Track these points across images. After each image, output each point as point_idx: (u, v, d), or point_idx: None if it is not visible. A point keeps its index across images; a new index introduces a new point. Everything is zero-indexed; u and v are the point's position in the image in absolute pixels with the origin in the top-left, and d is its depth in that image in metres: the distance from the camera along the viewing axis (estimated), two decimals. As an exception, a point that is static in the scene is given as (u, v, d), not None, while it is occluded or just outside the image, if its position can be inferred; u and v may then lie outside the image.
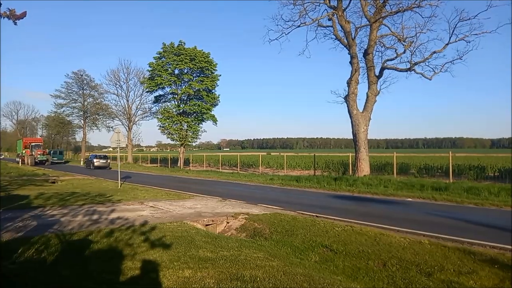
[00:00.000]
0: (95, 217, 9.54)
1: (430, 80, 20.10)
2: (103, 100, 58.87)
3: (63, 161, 52.52)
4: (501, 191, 13.72)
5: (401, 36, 19.73)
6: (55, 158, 50.26)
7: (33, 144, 46.69)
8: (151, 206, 11.63)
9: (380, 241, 7.39)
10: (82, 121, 61.07)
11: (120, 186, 18.24)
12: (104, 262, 5.63)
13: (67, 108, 59.47)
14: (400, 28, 19.93)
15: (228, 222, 9.93)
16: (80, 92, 58.97)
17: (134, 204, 12.07)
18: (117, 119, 54.95)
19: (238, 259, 5.97)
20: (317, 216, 10.04)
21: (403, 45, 19.95)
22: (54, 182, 20.82)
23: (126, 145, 45.30)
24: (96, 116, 59.56)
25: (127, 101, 53.10)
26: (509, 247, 6.69)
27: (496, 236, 7.58)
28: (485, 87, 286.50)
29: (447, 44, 18.95)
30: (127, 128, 52.49)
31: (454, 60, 19.09)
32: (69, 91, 58.13)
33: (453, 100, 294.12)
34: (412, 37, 19.55)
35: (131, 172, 32.54)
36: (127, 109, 53.01)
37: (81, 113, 59.86)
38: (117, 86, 52.74)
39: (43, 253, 5.99)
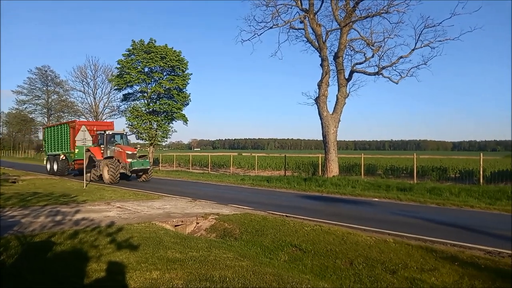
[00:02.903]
0: (58, 218, 9.19)
1: (396, 84, 20.77)
2: (68, 97, 56.89)
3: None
4: (461, 191, 14.36)
5: (370, 41, 20.25)
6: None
7: (110, 133, 22.21)
8: (118, 207, 11.33)
9: (347, 240, 7.55)
10: (46, 119, 58.67)
11: (86, 186, 17.67)
12: (68, 264, 5.44)
13: (30, 105, 57.04)
14: (369, 33, 20.43)
15: (198, 223, 9.85)
16: (44, 88, 56.72)
17: (100, 205, 11.72)
18: (83, 117, 53.19)
19: (207, 259, 5.93)
20: (287, 216, 10.13)
21: (371, 49, 20.49)
22: (14, 182, 19.85)
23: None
24: (61, 113, 57.45)
25: (94, 98, 51.60)
26: (468, 244, 7.02)
27: (457, 235, 7.93)
28: (447, 93, 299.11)
29: (413, 50, 19.63)
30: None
31: (419, 65, 19.81)
32: (32, 87, 55.82)
33: (418, 104, 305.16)
34: (380, 41, 20.12)
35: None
36: (94, 107, 51.46)
37: (45, 110, 57.56)
38: (83, 83, 51.15)
39: (1, 256, 5.72)
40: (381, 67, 20.47)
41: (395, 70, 20.53)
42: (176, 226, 9.38)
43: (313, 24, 20.83)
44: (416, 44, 19.34)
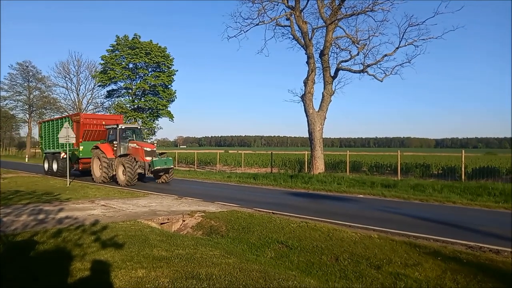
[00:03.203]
0: (41, 216, 9.01)
1: (381, 81, 21.02)
2: (51, 94, 55.65)
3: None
4: (444, 187, 14.65)
5: (355, 39, 20.42)
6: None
7: (123, 127, 19.52)
8: (103, 205, 11.19)
9: (333, 237, 7.63)
10: (28, 115, 57.39)
11: (69, 184, 17.37)
12: (51, 263, 5.35)
13: (11, 101, 55.63)
14: (354, 31, 20.61)
15: (184, 220, 9.79)
16: (26, 84, 55.37)
17: (84, 203, 11.55)
18: (66, 113, 52.21)
19: (193, 257, 5.91)
20: (273, 213, 10.16)
21: (356, 47, 20.67)
22: (-5, 180, 19.37)
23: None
24: (43, 110, 56.19)
25: (77, 95, 50.71)
26: (450, 239, 7.17)
27: (439, 230, 8.10)
28: (430, 91, 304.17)
29: (397, 48, 19.89)
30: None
31: (404, 63, 20.09)
32: (13, 83, 54.38)
33: (402, 102, 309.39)
34: (365, 40, 20.31)
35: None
36: (77, 104, 50.56)
37: (26, 106, 56.23)
38: (66, 79, 50.14)
39: (-19, 256, 5.58)
40: (366, 65, 20.69)
41: (379, 68, 20.79)
42: (162, 224, 9.31)
43: (299, 22, 20.88)
44: (400, 42, 19.63)
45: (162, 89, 38.66)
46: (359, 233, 7.69)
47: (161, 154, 19.18)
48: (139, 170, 17.79)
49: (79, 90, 50.65)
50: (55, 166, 22.96)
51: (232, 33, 26.79)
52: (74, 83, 50.30)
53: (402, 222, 9.05)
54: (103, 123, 21.18)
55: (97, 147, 19.30)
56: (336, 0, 20.46)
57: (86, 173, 21.28)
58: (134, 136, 19.79)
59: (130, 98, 39.80)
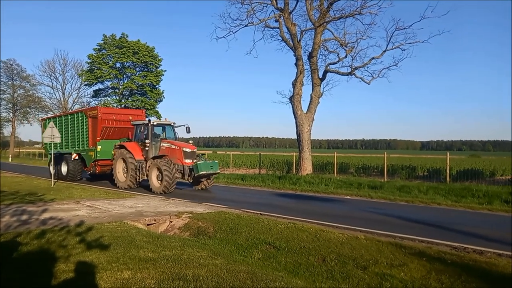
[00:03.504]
0: (24, 217, 8.83)
1: (368, 84, 21.23)
2: (35, 92, 54.59)
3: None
4: (429, 189, 14.85)
5: (343, 41, 20.59)
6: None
7: (155, 124, 17.02)
8: (88, 206, 11.02)
9: (320, 237, 7.66)
10: (11, 114, 56.22)
11: (54, 184, 17.07)
12: (35, 265, 5.24)
13: (-6, 100, 54.36)
14: (343, 34, 20.79)
15: (171, 221, 9.71)
16: (10, 82, 54.15)
17: (69, 204, 11.36)
18: (51, 112, 51.33)
19: (180, 258, 5.86)
20: (261, 214, 10.16)
21: (344, 50, 20.84)
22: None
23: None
24: (28, 109, 55.12)
25: (63, 94, 49.93)
26: (435, 240, 7.27)
27: (424, 231, 8.21)
28: (416, 94, 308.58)
29: (384, 51, 20.13)
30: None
31: (390, 67, 20.34)
32: (-4, 81, 53.15)
33: (388, 104, 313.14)
34: (353, 42, 20.49)
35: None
36: (62, 103, 49.78)
37: (10, 105, 55.06)
38: (52, 77, 49.33)
39: (-39, 258, 5.43)
40: (353, 67, 20.87)
41: (367, 70, 20.98)
42: (148, 225, 9.22)
43: (288, 23, 20.97)
44: (387, 46, 19.85)
45: (149, 89, 38.37)
46: (346, 234, 7.74)
47: (199, 155, 16.64)
48: (177, 175, 15.06)
49: (64, 89, 49.94)
50: (64, 169, 19.93)
51: (221, 33, 26.76)
52: (59, 82, 49.56)
53: (388, 223, 9.14)
54: (130, 118, 18.15)
55: (121, 147, 16.49)
56: (325, 3, 20.60)
57: (100, 177, 19.17)
58: (164, 135, 17.10)
59: (117, 97, 39.39)
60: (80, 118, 19.19)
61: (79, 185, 17.47)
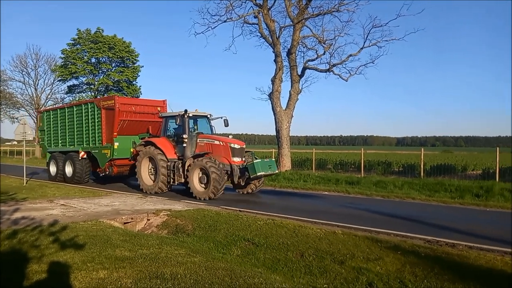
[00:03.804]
0: (-6, 217, 8.52)
1: (346, 81, 21.47)
2: (6, 88, 52.52)
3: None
4: (404, 184, 15.22)
5: (322, 38, 20.76)
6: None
7: (190, 116, 14.13)
8: (62, 204, 10.74)
9: (298, 233, 7.73)
10: (-20, 110, 53.96)
11: (26, 183, 16.54)
12: (5, 266, 5.06)
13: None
14: (321, 31, 20.95)
15: (148, 220, 9.59)
16: (-22, 78, 51.99)
17: (42, 203, 11.03)
18: (23, 109, 49.55)
19: (158, 257, 5.80)
20: (240, 211, 10.16)
21: (323, 47, 21.01)
22: None
23: (34, 138, 40.02)
24: (-3, 105, 53.03)
25: (36, 90, 48.17)
26: (410, 234, 7.46)
27: (399, 225, 8.41)
28: (391, 90, 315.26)
29: (361, 48, 20.39)
30: (35, 119, 47.65)
31: (367, 64, 20.64)
32: (-36, 76, 50.84)
33: (365, 101, 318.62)
34: (331, 39, 20.69)
35: (38, 167, 29.63)
36: (35, 99, 48.12)
37: (-21, 101, 52.86)
38: (24, 73, 47.53)
39: None
40: (332, 64, 21.06)
41: (345, 67, 21.21)
42: (125, 223, 9.07)
43: (267, 20, 20.95)
44: (364, 43, 20.11)
45: (126, 85, 37.65)
46: (324, 229, 7.84)
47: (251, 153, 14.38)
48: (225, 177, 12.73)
49: (37, 84, 48.18)
50: (68, 170, 17.33)
51: (199, 29, 26.42)
52: (32, 78, 47.82)
53: (365, 218, 9.31)
54: (159, 109, 15.90)
55: (148, 143, 14.16)
56: (303, 0, 20.70)
57: (112, 179, 17.03)
58: (196, 129, 14.62)
59: (93, 94, 38.46)
60: (91, 110, 16.29)
61: (53, 183, 16.99)
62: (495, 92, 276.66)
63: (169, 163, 13.49)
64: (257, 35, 22.07)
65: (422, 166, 18.00)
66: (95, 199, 12.19)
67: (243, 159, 13.36)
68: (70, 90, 40.43)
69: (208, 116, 14.87)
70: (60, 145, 18.26)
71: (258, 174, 12.52)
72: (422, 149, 18.45)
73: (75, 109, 17.45)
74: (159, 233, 8.72)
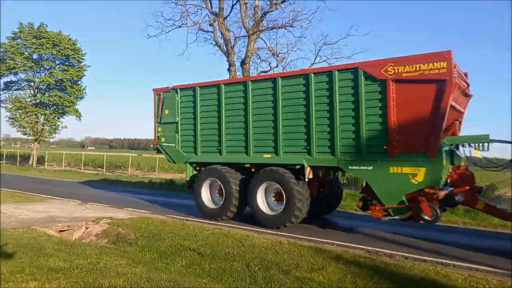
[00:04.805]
0: None
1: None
2: None
3: None
4: (347, 196, 15.79)
5: (275, 51, 21.25)
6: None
7: None
8: (-10, 210, 9.84)
9: (245, 243, 7.70)
10: None
11: None
12: None
13: None
14: (275, 44, 21.46)
15: (87, 228, 9.07)
16: None
17: (-34, 208, 10.03)
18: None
19: (96, 267, 5.48)
20: (186, 220, 9.94)
21: (276, 59, 21.52)
22: None
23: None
24: None
25: (-34, 84, 44.16)
26: (352, 244, 7.72)
27: (342, 236, 8.68)
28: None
29: (312, 64, 21.11)
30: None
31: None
32: None
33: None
34: (284, 53, 21.26)
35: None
36: (-35, 94, 44.04)
37: None
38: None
39: None
40: (283, 77, 21.50)
41: (296, 81, 21.76)
42: (61, 231, 8.51)
43: (222, 29, 21.01)
44: (315, 59, 20.91)
45: (70, 84, 35.64)
46: (270, 239, 7.89)
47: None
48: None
49: (-32, 78, 44.21)
50: (261, 201, 9.45)
51: (152, 32, 25.87)
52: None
53: (309, 229, 9.48)
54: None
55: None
56: (259, 12, 21.05)
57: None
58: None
59: (32, 92, 35.98)
60: (350, 84, 8.24)
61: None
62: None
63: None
64: (212, 43, 22.06)
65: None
66: (29, 204, 11.32)
67: None
68: (7, 86, 37.44)
69: None
70: (229, 151, 10.19)
71: None
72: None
73: (291, 82, 9.16)
74: (98, 242, 8.27)
